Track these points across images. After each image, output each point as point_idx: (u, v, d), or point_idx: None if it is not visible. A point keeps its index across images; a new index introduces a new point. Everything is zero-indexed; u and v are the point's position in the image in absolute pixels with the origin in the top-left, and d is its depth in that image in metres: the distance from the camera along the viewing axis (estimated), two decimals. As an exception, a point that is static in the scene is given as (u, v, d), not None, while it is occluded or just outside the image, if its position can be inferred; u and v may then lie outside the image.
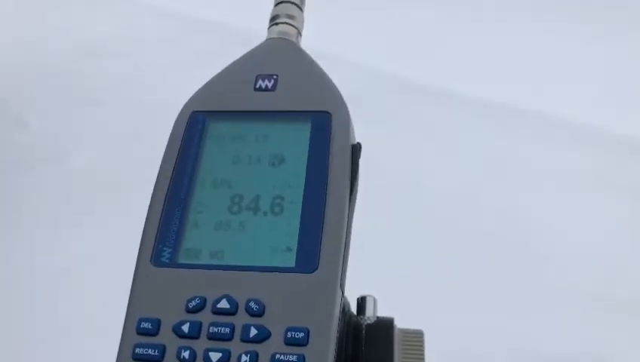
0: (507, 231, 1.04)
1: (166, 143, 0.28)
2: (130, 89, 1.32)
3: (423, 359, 0.31)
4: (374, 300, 0.31)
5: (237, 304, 0.24)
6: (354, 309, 0.31)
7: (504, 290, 0.96)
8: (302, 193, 0.26)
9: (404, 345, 0.31)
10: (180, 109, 0.30)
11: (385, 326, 0.30)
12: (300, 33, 0.32)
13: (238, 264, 0.25)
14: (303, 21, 0.33)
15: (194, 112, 0.29)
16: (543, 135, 1.23)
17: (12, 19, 1.49)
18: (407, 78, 1.32)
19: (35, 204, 1.13)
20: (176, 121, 0.29)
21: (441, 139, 1.20)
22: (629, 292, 0.96)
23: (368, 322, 0.30)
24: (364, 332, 0.30)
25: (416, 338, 0.31)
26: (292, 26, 0.32)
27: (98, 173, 1.17)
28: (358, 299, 0.31)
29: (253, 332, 0.23)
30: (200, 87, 0.31)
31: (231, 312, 0.24)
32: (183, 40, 1.43)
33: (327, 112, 0.28)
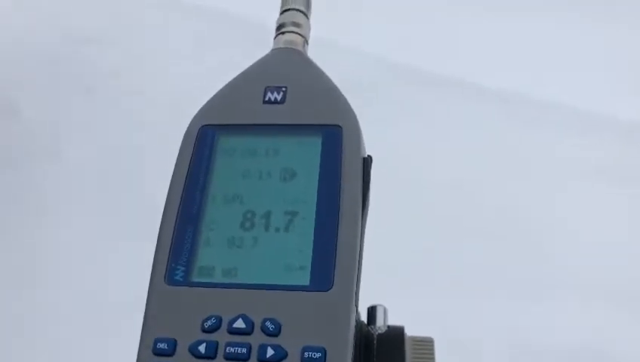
0: (508, 221, 1.05)
1: (175, 158, 0.28)
2: (126, 77, 1.31)
3: (433, 366, 0.31)
4: (385, 309, 0.31)
5: (253, 323, 0.24)
6: (363, 317, 0.31)
7: (504, 282, 0.96)
8: (314, 209, 0.26)
9: (414, 353, 0.31)
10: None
11: (396, 335, 0.30)
12: (306, 41, 0.32)
13: (253, 282, 0.25)
14: (309, 28, 0.33)
15: (203, 126, 0.29)
16: (544, 122, 1.23)
17: (3, 5, 1.47)
18: (408, 65, 1.31)
19: (30, 195, 1.12)
20: (185, 135, 0.29)
21: (442, 128, 1.20)
22: (631, 284, 0.97)
23: (379, 332, 0.30)
24: (375, 342, 0.30)
25: (426, 347, 0.31)
26: (299, 34, 0.32)
27: (94, 163, 1.16)
28: (368, 308, 0.31)
29: (269, 352, 0.23)
30: (205, 90, 0.31)
31: (247, 332, 0.24)
32: (180, 27, 1.41)
33: (338, 126, 0.28)
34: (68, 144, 1.20)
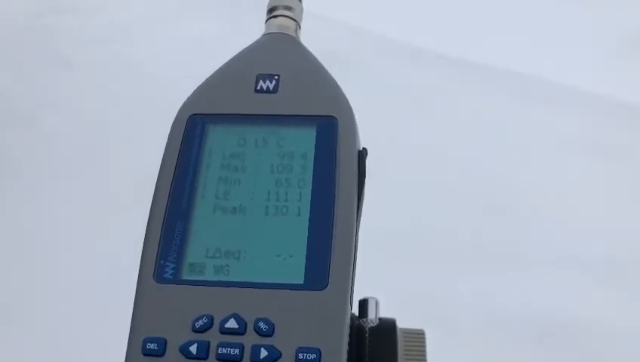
0: (485, 194, 1.05)
1: (164, 148, 0.27)
2: (102, 47, 1.27)
3: (425, 358, 0.31)
4: (376, 302, 0.30)
5: (245, 323, 0.23)
6: (355, 309, 0.31)
7: (481, 254, 0.97)
8: (309, 204, 0.25)
9: (406, 345, 0.31)
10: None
11: (387, 328, 0.30)
12: (299, 26, 0.31)
13: (245, 280, 0.24)
14: (302, 11, 0.31)
15: (192, 116, 0.28)
16: (524, 95, 1.23)
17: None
18: (385, 36, 1.30)
19: (6, 166, 1.10)
20: (173, 125, 0.28)
21: (424, 101, 1.20)
22: (605, 256, 0.98)
23: (371, 325, 0.30)
24: (367, 335, 0.29)
25: (417, 338, 0.31)
26: (291, 18, 0.30)
27: (70, 135, 1.14)
28: (360, 301, 0.30)
29: (263, 353, 0.23)
30: (192, 78, 0.30)
31: (239, 332, 0.23)
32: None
33: (333, 117, 0.27)
34: (44, 112, 1.17)
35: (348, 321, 0.24)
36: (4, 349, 0.82)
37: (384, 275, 0.88)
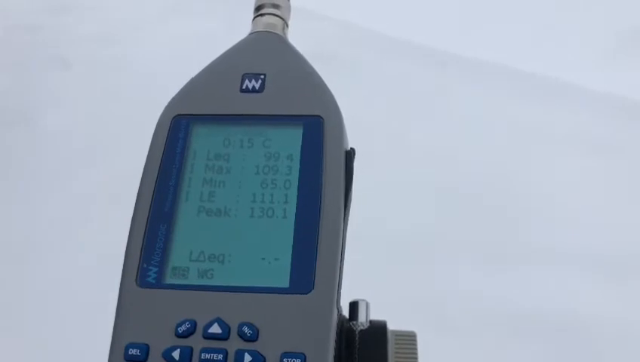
0: (486, 191, 1.05)
1: (147, 149, 0.27)
2: (100, 46, 1.27)
3: (416, 360, 0.30)
4: (367, 304, 0.30)
5: (229, 328, 0.23)
6: (345, 311, 0.30)
7: (480, 250, 0.96)
8: (294, 205, 0.25)
9: (397, 347, 0.30)
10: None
11: (378, 331, 0.29)
12: (286, 24, 0.30)
13: (229, 284, 0.24)
14: (289, 9, 0.31)
15: (177, 116, 0.27)
16: (523, 93, 1.22)
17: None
18: (380, 33, 1.29)
19: (2, 165, 1.10)
20: (157, 126, 0.27)
21: (422, 99, 1.19)
22: (606, 253, 0.98)
23: (361, 328, 0.29)
24: (357, 338, 0.29)
25: (409, 340, 0.31)
26: (278, 17, 0.30)
27: (67, 134, 1.13)
28: (350, 303, 0.30)
29: (247, 358, 0.22)
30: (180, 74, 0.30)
31: (223, 337, 0.23)
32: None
33: (320, 117, 0.26)
34: (42, 112, 1.17)
35: (334, 325, 0.24)
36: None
37: (384, 275, 0.87)
